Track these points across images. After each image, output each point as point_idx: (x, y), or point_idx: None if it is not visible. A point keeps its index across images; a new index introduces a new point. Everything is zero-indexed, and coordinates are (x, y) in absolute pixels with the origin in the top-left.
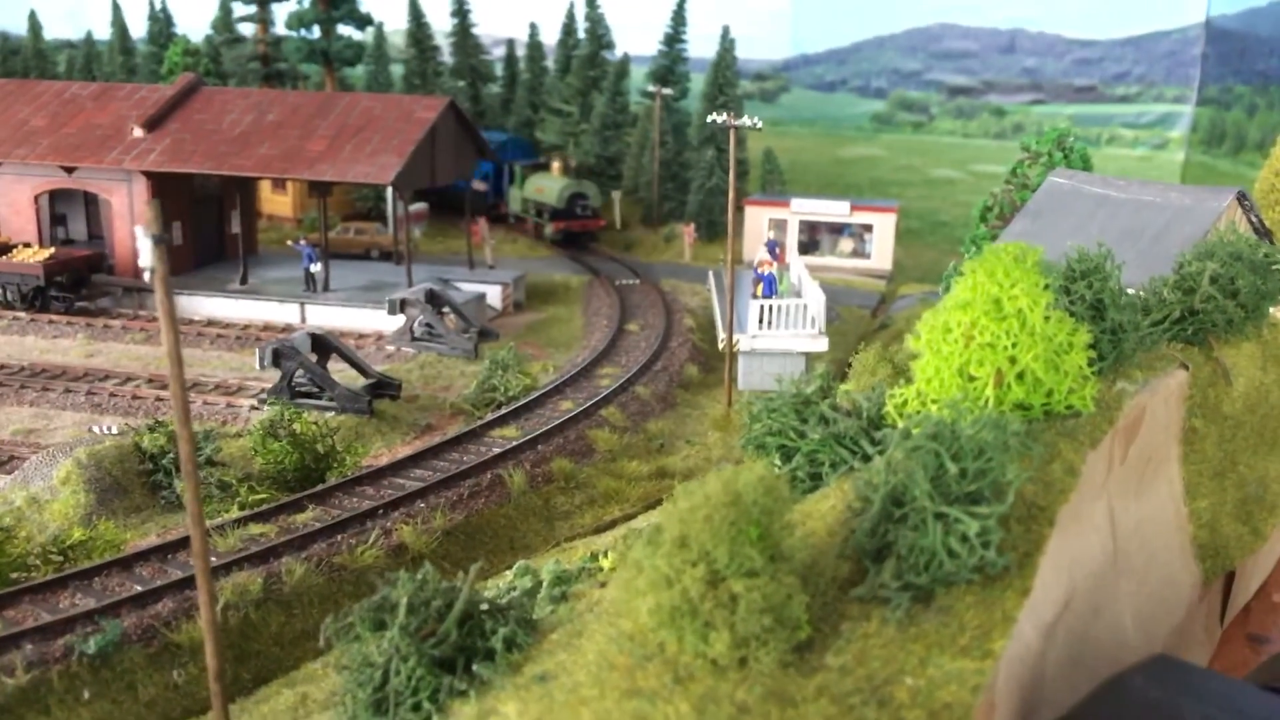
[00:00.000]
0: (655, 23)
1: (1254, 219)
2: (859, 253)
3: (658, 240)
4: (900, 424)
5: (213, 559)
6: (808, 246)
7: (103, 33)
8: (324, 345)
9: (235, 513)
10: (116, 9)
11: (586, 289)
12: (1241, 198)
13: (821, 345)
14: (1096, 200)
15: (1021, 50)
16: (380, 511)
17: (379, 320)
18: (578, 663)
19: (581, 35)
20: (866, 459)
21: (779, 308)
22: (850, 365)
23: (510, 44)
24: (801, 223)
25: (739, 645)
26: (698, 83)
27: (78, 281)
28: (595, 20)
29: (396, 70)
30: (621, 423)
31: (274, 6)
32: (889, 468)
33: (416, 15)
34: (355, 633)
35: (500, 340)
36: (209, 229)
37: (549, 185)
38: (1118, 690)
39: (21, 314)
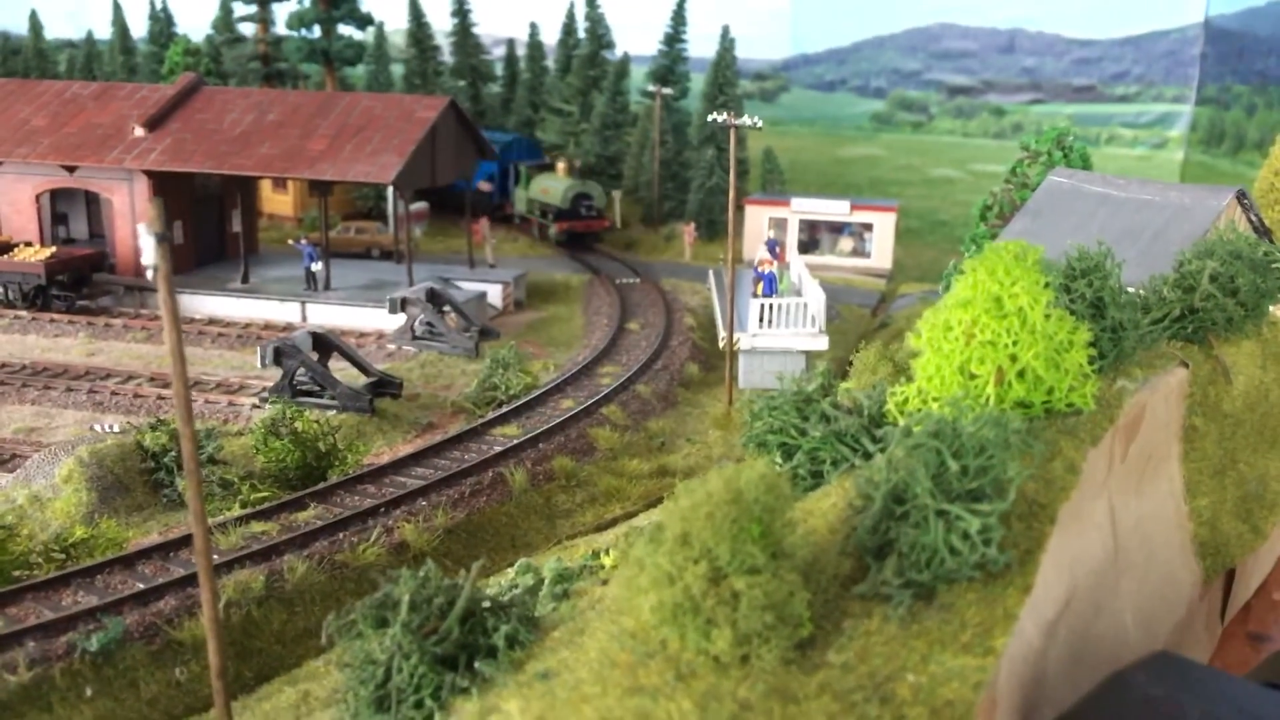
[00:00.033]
0: (655, 22)
1: (1253, 218)
2: (859, 252)
3: (658, 239)
4: (901, 422)
5: (215, 557)
6: (808, 245)
7: (103, 32)
8: (325, 344)
9: (237, 511)
10: (117, 9)
11: (587, 288)
12: (1241, 196)
13: (822, 344)
14: (1096, 199)
15: (1021, 50)
16: (382, 509)
17: (380, 319)
18: (580, 660)
19: (582, 35)
20: (868, 457)
21: (779, 306)
22: (851, 363)
23: (510, 44)
24: (801, 222)
25: (741, 642)
26: (698, 82)
27: (79, 280)
28: (595, 20)
29: (397, 70)
30: (622, 421)
31: (274, 6)
32: (890, 465)
33: (417, 15)
34: (357, 630)
35: (501, 339)
36: (210, 228)
37: (553, 186)
38: (1119, 687)
39: (23, 313)
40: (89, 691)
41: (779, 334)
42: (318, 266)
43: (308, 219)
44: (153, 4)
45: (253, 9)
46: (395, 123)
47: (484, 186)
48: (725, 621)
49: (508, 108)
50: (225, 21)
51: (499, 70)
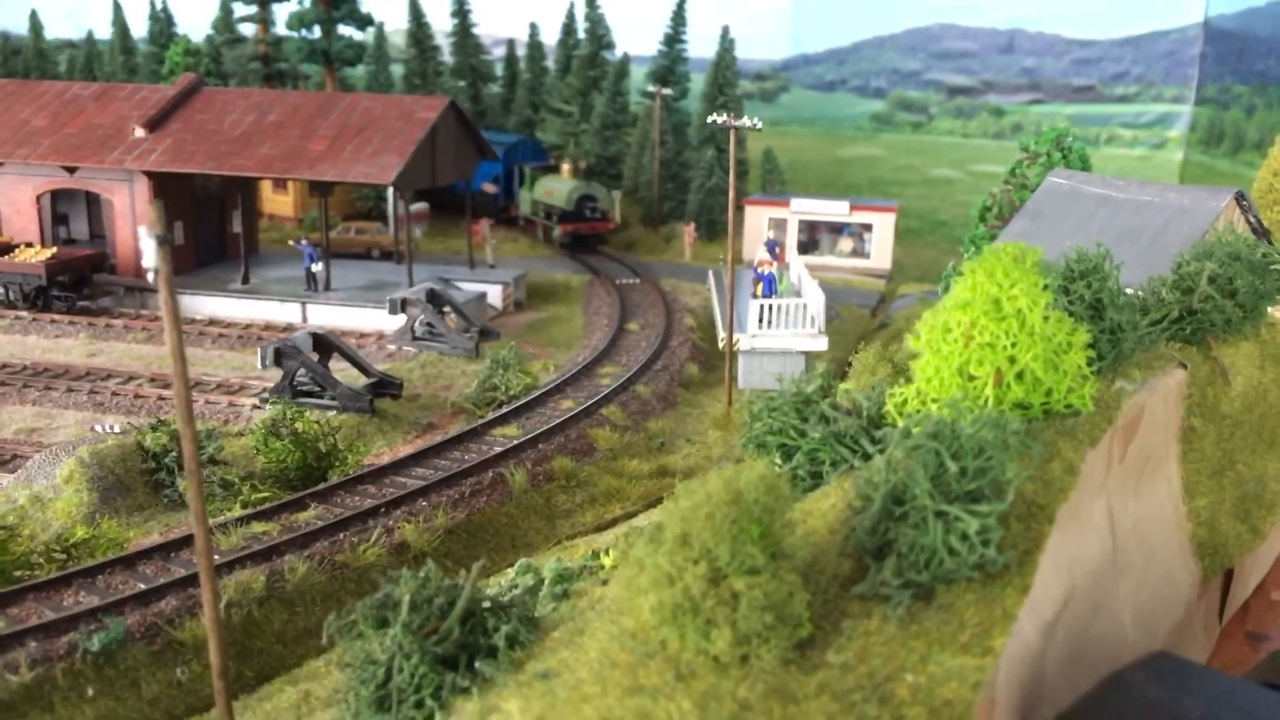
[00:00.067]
0: (655, 23)
1: (1252, 219)
2: (858, 252)
3: (658, 240)
4: (900, 423)
5: (215, 557)
6: (807, 246)
7: (104, 32)
8: (325, 344)
9: (238, 511)
10: (117, 9)
11: (587, 288)
12: (1240, 198)
13: (821, 344)
14: (1095, 200)
15: (1020, 50)
16: (382, 510)
17: (380, 320)
18: (580, 660)
19: (582, 35)
20: (867, 457)
21: (779, 307)
22: (850, 364)
23: (510, 44)
24: (801, 222)
25: (740, 642)
26: (698, 83)
27: (80, 281)
28: (595, 20)
29: (397, 70)
30: (622, 421)
31: (275, 6)
32: (889, 466)
33: (417, 15)
34: (358, 630)
35: (501, 339)
36: (210, 229)
37: (558, 187)
38: (1117, 687)
39: (24, 313)
40: (90, 691)
41: (778, 335)
42: (318, 267)
43: (308, 219)
44: (153, 4)
45: (253, 9)
46: (395, 123)
47: (489, 188)
48: (725, 622)
49: (508, 108)
50: (225, 22)
51: (499, 70)
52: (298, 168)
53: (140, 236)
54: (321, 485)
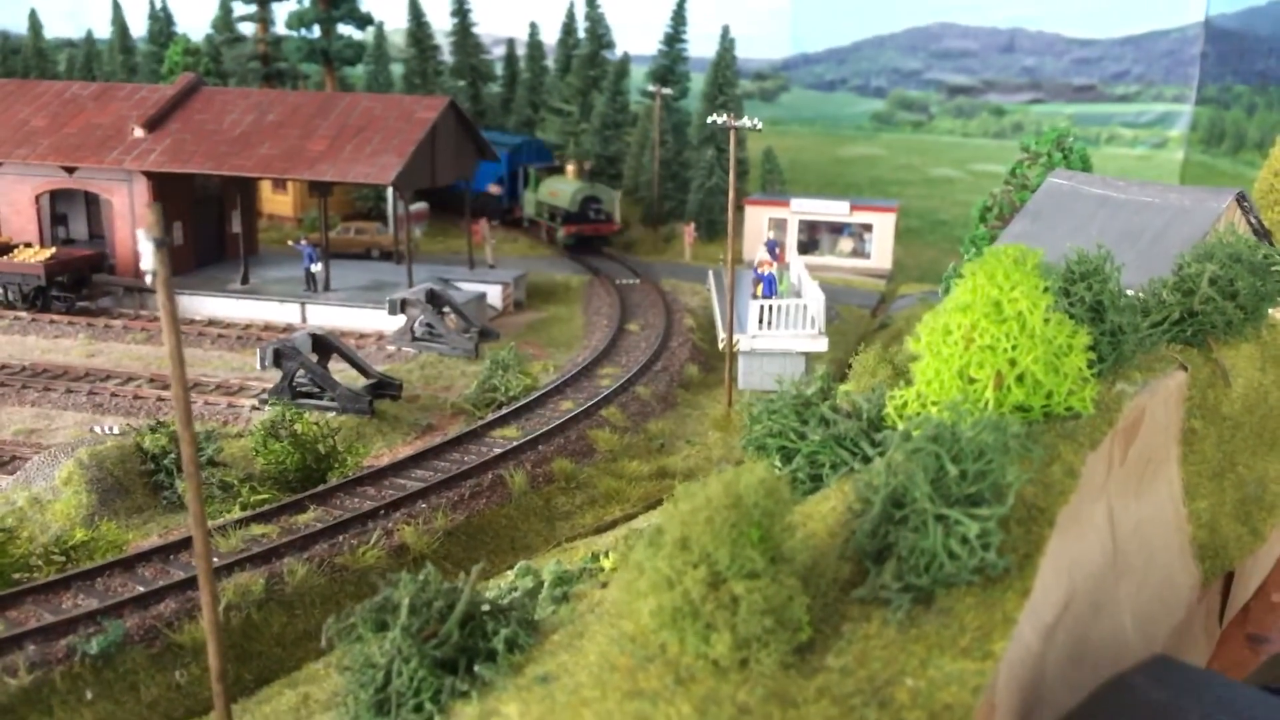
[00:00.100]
0: (655, 22)
1: (1253, 220)
2: (859, 252)
3: (658, 240)
4: (900, 426)
5: (215, 559)
6: (807, 246)
7: (103, 32)
8: (325, 345)
9: (237, 513)
10: (117, 8)
11: (587, 288)
12: (1241, 199)
13: (821, 345)
14: (1096, 201)
15: (1021, 49)
16: (381, 512)
17: (379, 320)
18: (579, 664)
19: (581, 35)
20: (867, 460)
21: (779, 308)
22: (850, 365)
23: (510, 43)
24: (801, 222)
25: (740, 646)
26: (698, 82)
27: (79, 281)
28: (595, 20)
29: (397, 70)
30: (622, 423)
31: (274, 6)
32: (889, 469)
33: (416, 15)
34: (357, 633)
35: (501, 340)
36: (209, 229)
37: (562, 188)
38: (1118, 691)
39: (23, 314)
40: (89, 694)
41: (778, 335)
42: (317, 267)
43: (307, 219)
44: (152, 3)
45: (252, 9)
46: (395, 123)
47: (493, 189)
48: (724, 626)
49: (508, 108)
50: (225, 21)
51: (499, 70)
52: (297, 168)
53: (139, 238)
54: (321, 487)
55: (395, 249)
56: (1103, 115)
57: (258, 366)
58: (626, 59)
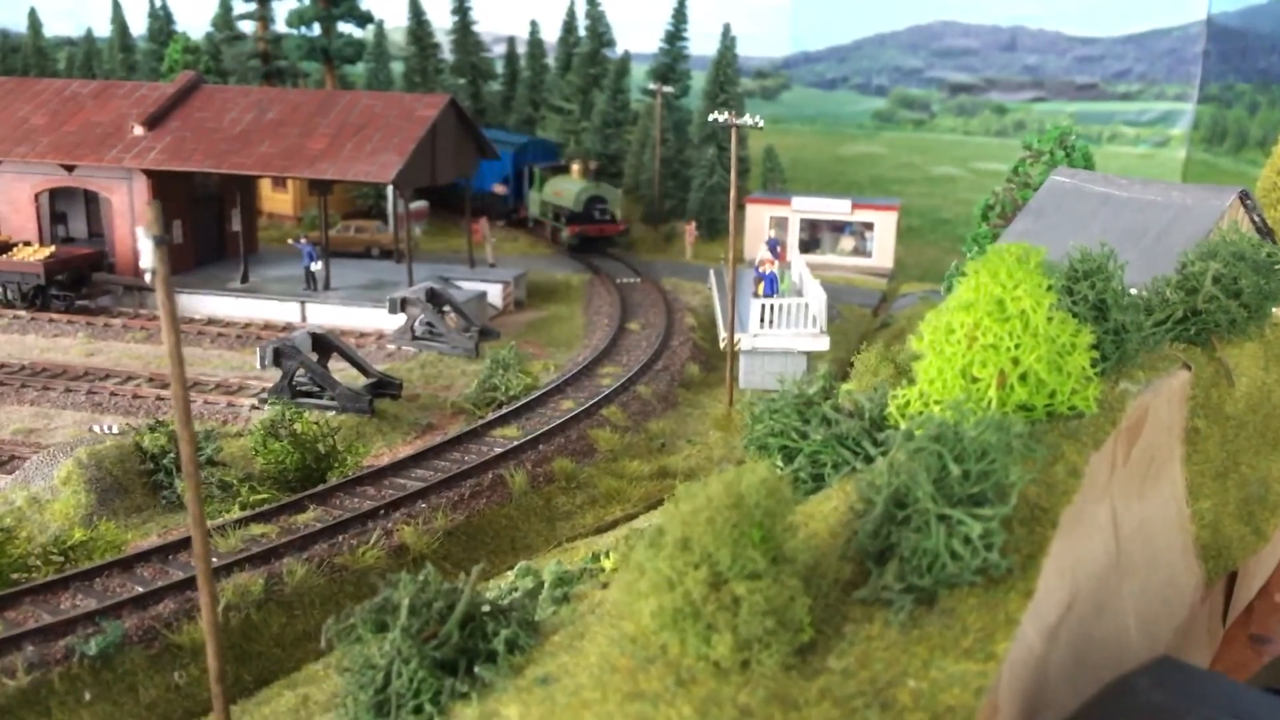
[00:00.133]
0: (656, 20)
1: (1256, 218)
2: (860, 251)
3: (659, 238)
4: (903, 425)
5: (214, 560)
6: (809, 245)
7: (103, 30)
8: (325, 344)
9: (236, 513)
10: (117, 6)
11: (587, 287)
12: (1244, 197)
13: (823, 344)
14: (1099, 199)
15: (1023, 48)
16: (381, 512)
17: (380, 319)
18: (580, 665)
19: (582, 33)
20: (869, 460)
21: (780, 306)
22: (852, 364)
23: (511, 41)
24: (803, 221)
25: (741, 648)
26: (699, 80)
27: (78, 280)
28: (596, 18)
29: (397, 68)
30: (623, 422)
31: (274, 4)
32: (892, 469)
33: (417, 13)
34: (357, 634)
35: (501, 339)
36: (209, 227)
37: (567, 188)
38: (1121, 693)
39: (22, 313)
40: (88, 696)
41: (780, 334)
42: (317, 266)
43: (307, 218)
44: (152, 2)
45: (252, 7)
46: (395, 121)
47: (498, 189)
48: (726, 627)
49: (508, 106)
50: (225, 19)
51: (499, 68)
52: (297, 166)
53: (138, 236)
54: (320, 487)
55: (395, 247)
56: (1105, 113)
57: (257, 365)
58: (627, 57)
